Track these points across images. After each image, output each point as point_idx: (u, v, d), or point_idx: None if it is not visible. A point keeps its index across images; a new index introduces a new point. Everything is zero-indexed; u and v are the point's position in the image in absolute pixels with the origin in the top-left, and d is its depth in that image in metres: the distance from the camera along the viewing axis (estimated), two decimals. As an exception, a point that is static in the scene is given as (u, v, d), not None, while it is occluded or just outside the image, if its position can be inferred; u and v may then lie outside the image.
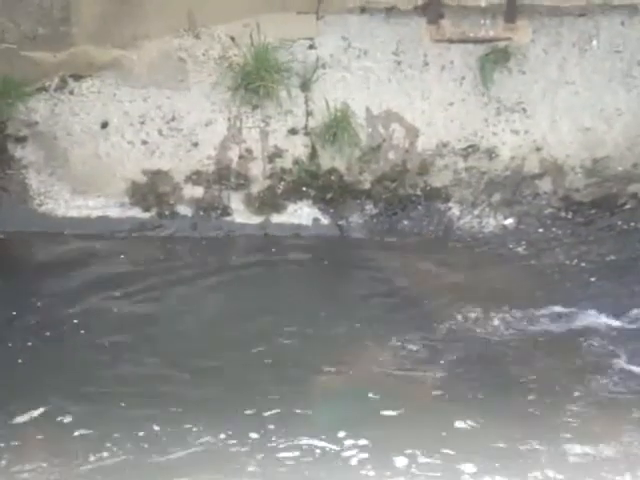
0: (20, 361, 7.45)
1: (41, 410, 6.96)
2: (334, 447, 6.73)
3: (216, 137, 9.06)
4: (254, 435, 6.82)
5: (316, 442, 6.76)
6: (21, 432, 6.80)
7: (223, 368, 7.40)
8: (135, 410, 6.98)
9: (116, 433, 6.77)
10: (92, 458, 6.63)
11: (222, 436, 6.80)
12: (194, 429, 6.83)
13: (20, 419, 6.90)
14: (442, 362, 7.53)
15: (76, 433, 6.79)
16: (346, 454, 6.70)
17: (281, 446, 6.74)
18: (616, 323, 7.88)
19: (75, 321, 7.88)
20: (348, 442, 6.76)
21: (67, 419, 6.90)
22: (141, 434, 6.80)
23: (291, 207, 9.04)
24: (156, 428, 6.84)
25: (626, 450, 6.73)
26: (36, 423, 6.88)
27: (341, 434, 6.81)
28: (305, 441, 6.77)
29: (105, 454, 6.65)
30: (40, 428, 6.83)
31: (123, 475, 6.53)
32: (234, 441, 6.77)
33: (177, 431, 6.82)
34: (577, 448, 6.75)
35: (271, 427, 6.87)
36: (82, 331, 7.80)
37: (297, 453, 6.69)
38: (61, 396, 7.09)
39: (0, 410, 6.93)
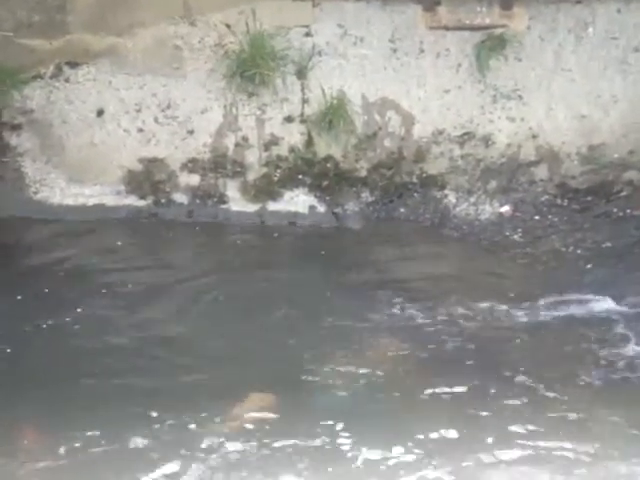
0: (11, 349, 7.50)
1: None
2: (331, 438, 6.74)
3: (212, 125, 9.06)
4: (250, 427, 6.83)
5: (313, 434, 6.76)
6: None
7: (216, 358, 7.41)
8: (130, 399, 7.00)
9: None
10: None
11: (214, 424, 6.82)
12: (185, 417, 6.83)
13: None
14: (438, 350, 7.53)
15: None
16: (342, 444, 6.71)
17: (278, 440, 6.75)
18: (612, 309, 7.89)
19: (79, 309, 7.93)
20: (344, 433, 6.77)
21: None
22: (135, 427, 6.80)
23: (287, 195, 9.04)
24: (154, 415, 6.85)
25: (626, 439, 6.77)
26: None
27: (337, 425, 6.82)
28: (302, 434, 6.77)
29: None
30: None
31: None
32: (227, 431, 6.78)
33: (167, 421, 6.83)
34: (578, 438, 6.76)
35: (264, 416, 6.88)
36: (79, 322, 7.83)
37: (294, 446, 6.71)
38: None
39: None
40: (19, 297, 7.98)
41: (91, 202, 9.00)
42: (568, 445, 6.65)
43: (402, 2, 9.00)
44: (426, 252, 8.73)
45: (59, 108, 9.10)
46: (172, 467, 6.47)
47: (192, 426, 6.75)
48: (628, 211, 8.86)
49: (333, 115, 8.92)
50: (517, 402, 7.01)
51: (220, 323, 7.77)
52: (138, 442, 6.63)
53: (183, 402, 6.93)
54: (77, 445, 6.61)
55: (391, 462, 6.54)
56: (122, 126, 9.08)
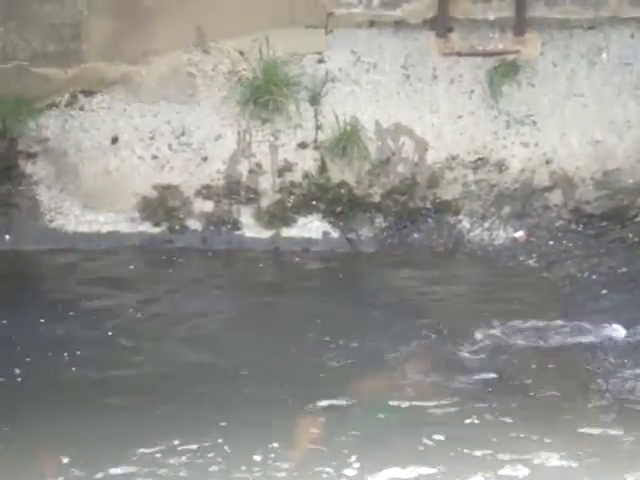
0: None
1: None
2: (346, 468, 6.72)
3: (226, 151, 9.09)
4: (257, 458, 6.79)
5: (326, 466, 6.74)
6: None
7: (229, 385, 7.40)
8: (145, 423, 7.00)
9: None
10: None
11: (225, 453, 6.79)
12: (200, 442, 6.82)
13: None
14: (454, 375, 7.51)
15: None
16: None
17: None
18: (628, 336, 7.85)
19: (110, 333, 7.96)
20: (363, 463, 6.73)
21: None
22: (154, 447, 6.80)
23: (301, 221, 9.05)
24: (175, 438, 6.84)
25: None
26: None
27: (353, 456, 6.79)
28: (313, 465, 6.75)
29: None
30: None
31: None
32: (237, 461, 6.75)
33: (175, 444, 6.82)
34: (589, 460, 6.72)
35: (275, 445, 6.86)
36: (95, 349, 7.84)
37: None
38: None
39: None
40: (42, 320, 8.01)
41: (105, 229, 9.03)
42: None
43: (414, 28, 9.05)
44: (440, 277, 8.71)
45: (74, 136, 9.14)
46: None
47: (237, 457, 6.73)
48: (643, 236, 8.85)
49: (346, 141, 8.95)
50: (527, 425, 6.97)
51: (247, 348, 7.78)
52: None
53: (224, 432, 6.91)
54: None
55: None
56: (136, 153, 9.12)
